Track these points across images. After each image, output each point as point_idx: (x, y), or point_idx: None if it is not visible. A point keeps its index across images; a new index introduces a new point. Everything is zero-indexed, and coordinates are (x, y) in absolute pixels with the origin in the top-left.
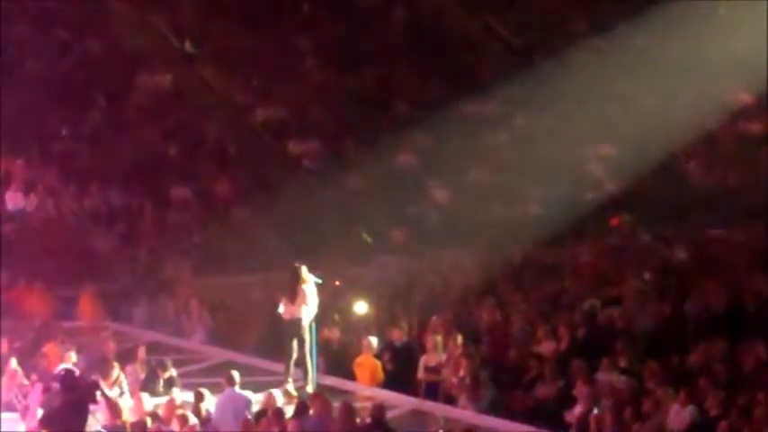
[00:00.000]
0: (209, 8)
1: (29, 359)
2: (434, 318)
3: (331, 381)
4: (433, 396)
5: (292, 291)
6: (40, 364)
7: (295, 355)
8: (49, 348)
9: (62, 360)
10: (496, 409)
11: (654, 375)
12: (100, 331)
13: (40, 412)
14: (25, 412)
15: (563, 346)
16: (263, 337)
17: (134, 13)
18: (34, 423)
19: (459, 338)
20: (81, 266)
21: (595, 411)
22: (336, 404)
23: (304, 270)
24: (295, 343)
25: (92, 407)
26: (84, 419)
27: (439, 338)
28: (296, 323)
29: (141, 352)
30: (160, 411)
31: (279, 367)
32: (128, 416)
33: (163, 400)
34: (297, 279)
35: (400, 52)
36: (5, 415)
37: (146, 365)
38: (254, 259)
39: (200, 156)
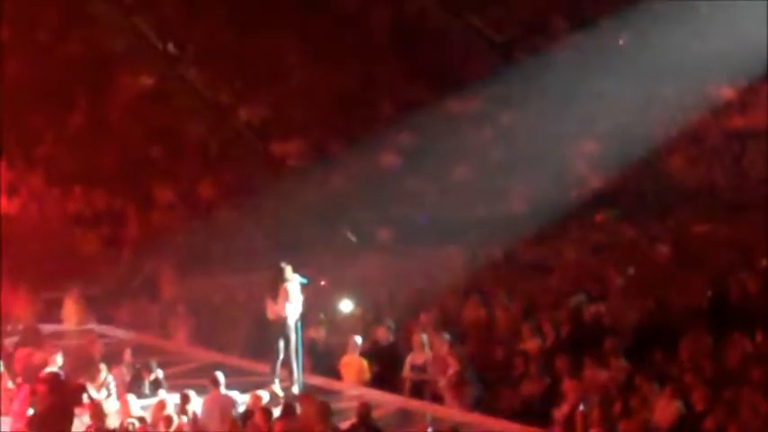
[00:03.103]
0: (191, 9)
1: (14, 363)
2: (421, 316)
3: (317, 381)
4: (418, 395)
5: (275, 290)
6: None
7: (281, 356)
8: (21, 353)
9: (42, 363)
10: (482, 406)
11: (639, 371)
12: (85, 334)
13: (27, 413)
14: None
15: (548, 342)
16: (249, 338)
17: (116, 15)
18: (20, 425)
19: (446, 337)
20: (65, 269)
21: (581, 408)
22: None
23: (288, 270)
24: (281, 343)
25: (77, 410)
26: (70, 422)
27: (425, 337)
28: (281, 322)
29: (127, 354)
30: (146, 414)
31: (265, 368)
32: (113, 418)
33: (149, 402)
34: (280, 278)
35: (384, 51)
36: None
37: (131, 367)
38: (239, 260)
39: (183, 157)
